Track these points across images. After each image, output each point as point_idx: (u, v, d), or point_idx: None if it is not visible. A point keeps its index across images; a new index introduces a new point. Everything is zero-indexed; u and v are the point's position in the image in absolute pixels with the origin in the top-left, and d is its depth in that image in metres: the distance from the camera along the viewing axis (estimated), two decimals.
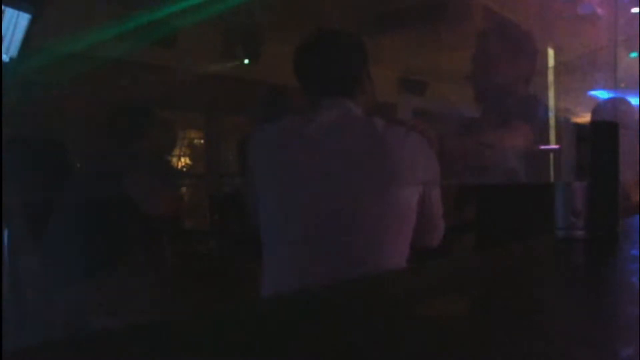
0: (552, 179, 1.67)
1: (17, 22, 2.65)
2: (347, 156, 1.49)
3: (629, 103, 2.31)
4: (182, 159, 4.19)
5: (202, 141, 4.79)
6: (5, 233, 2.12)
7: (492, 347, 0.56)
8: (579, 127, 1.14)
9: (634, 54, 3.79)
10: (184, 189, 3.53)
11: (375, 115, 1.55)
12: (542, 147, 1.76)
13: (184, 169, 4.31)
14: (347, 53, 1.61)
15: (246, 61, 4.43)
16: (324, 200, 1.48)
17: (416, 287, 0.88)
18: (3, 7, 2.59)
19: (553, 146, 1.72)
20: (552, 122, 1.83)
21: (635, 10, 3.68)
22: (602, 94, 4.33)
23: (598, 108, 2.34)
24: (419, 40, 4.47)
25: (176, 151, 3.70)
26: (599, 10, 3.69)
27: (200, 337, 0.61)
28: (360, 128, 1.52)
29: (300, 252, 1.48)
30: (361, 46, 1.63)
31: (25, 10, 2.69)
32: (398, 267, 1.47)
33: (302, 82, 1.61)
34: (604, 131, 1.13)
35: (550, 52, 3.65)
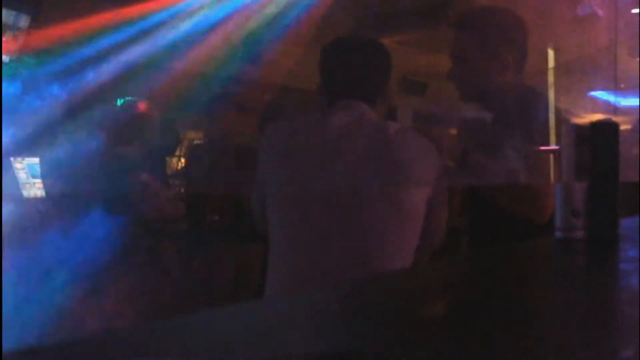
0: (552, 179, 1.67)
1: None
2: (357, 158, 1.50)
3: None
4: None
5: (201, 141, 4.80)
6: (5, 233, 2.12)
7: (491, 347, 0.56)
8: (579, 127, 1.14)
9: None
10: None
11: (388, 119, 1.56)
12: (542, 147, 1.74)
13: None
14: (374, 59, 1.62)
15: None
16: (332, 202, 1.49)
17: (417, 287, 0.88)
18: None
19: (553, 146, 1.71)
20: (552, 122, 1.80)
21: (635, 10, 3.68)
22: (602, 95, 4.34)
23: None
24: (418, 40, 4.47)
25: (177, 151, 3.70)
26: (599, 11, 3.69)
27: (202, 337, 0.61)
28: (371, 131, 1.53)
29: (308, 253, 1.49)
30: (388, 55, 1.64)
31: (26, 11, 2.69)
32: (404, 268, 1.49)
33: (323, 81, 1.62)
34: (604, 131, 1.13)
35: (550, 53, 3.65)
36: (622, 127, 1.19)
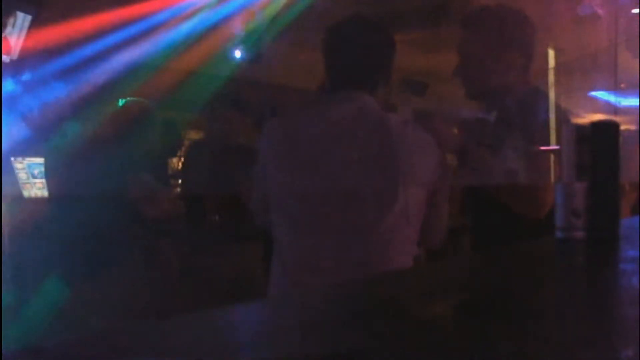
0: (552, 179, 1.66)
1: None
2: (358, 152, 1.48)
3: None
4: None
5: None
6: (5, 233, 2.12)
7: (492, 347, 0.56)
8: (579, 127, 1.14)
9: None
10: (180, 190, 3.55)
11: (390, 108, 1.54)
12: (543, 147, 1.73)
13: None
14: (375, 46, 1.57)
15: None
16: (332, 197, 1.47)
17: (417, 287, 0.88)
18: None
19: (553, 146, 1.71)
20: (552, 122, 1.79)
21: (635, 11, 3.68)
22: (602, 95, 4.34)
23: None
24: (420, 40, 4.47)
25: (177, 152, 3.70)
26: (599, 11, 3.70)
27: (202, 337, 0.61)
28: (373, 124, 1.50)
29: (310, 247, 1.47)
30: (389, 41, 1.60)
31: (26, 11, 2.69)
32: (404, 265, 1.47)
33: (325, 69, 1.57)
34: (604, 131, 1.13)
35: (551, 53, 3.66)
36: (622, 127, 1.18)
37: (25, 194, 3.09)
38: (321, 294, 0.87)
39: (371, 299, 0.78)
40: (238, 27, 4.30)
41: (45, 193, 3.02)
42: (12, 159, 3.00)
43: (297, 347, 0.57)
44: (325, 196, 1.47)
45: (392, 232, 1.47)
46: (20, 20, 2.72)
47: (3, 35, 2.80)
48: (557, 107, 1.80)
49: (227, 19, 4.10)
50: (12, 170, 2.97)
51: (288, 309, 0.75)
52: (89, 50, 3.25)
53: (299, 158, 1.50)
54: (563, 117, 1.73)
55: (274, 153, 1.55)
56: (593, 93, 4.44)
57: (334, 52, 1.58)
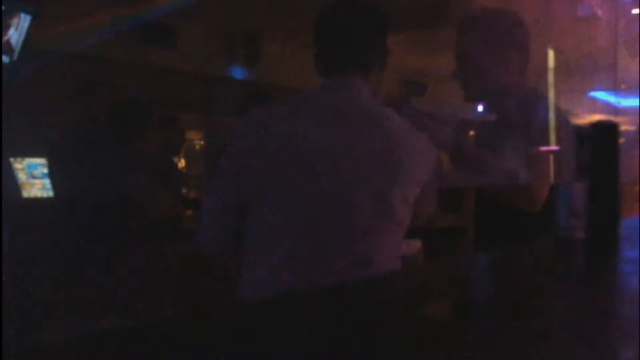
0: (552, 179, 1.66)
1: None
2: (351, 143, 1.43)
3: None
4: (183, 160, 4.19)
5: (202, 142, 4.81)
6: (5, 233, 2.12)
7: (493, 347, 0.56)
8: (579, 127, 1.15)
9: None
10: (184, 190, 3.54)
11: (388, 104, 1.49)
12: (543, 147, 1.73)
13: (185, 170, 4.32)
14: (368, 26, 1.51)
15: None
16: (319, 193, 1.41)
17: (417, 287, 0.88)
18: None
19: (553, 146, 1.70)
20: (552, 122, 1.79)
21: (635, 11, 3.68)
22: (602, 95, 4.34)
23: None
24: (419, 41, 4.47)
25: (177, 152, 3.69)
26: (599, 11, 3.69)
27: (200, 337, 0.61)
28: (368, 115, 1.45)
29: (294, 247, 1.42)
30: (384, 19, 1.54)
31: (26, 11, 2.69)
32: (393, 264, 1.45)
33: (317, 51, 1.51)
34: (604, 131, 1.13)
35: (550, 53, 3.65)
36: (622, 127, 1.18)
37: (25, 194, 3.09)
38: (314, 293, 0.87)
39: (370, 299, 0.78)
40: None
41: (45, 193, 3.02)
42: (12, 159, 3.00)
43: (294, 347, 0.57)
44: (315, 189, 1.41)
45: (382, 230, 1.44)
46: (21, 20, 2.72)
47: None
48: (557, 108, 1.79)
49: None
50: (12, 170, 2.98)
51: (284, 310, 0.75)
52: (89, 48, 3.23)
53: (285, 151, 1.43)
54: (563, 117, 1.73)
55: (258, 145, 1.45)
56: (593, 93, 4.44)
57: (324, 33, 1.52)
